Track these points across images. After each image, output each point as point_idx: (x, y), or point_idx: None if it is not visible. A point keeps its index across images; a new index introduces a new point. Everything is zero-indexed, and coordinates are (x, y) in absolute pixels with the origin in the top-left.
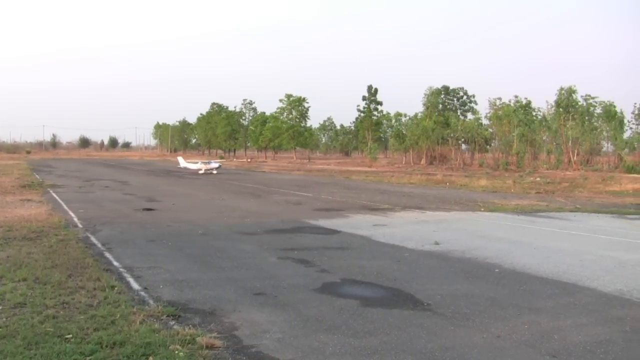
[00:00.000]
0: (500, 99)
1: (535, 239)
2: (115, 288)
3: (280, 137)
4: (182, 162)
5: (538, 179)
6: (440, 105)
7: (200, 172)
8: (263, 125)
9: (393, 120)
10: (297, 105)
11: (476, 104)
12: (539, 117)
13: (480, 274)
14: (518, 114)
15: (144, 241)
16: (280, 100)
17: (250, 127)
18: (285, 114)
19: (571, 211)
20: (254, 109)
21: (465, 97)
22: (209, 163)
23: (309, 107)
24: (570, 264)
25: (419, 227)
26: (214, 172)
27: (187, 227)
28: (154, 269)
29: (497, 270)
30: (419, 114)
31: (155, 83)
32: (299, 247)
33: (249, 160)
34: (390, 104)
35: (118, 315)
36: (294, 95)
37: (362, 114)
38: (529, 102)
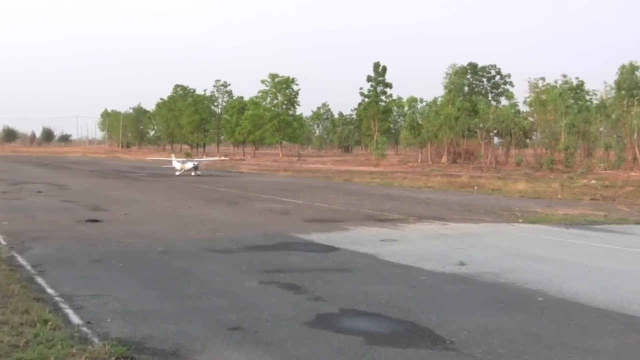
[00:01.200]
0: (543, 79)
1: (590, 259)
2: (49, 323)
3: (263, 129)
4: (176, 163)
5: (593, 181)
6: (466, 88)
7: (177, 173)
8: (241, 114)
9: (406, 107)
10: (283, 87)
11: (512, 85)
12: (594, 102)
13: (518, 304)
14: (566, 99)
15: (88, 261)
16: (263, 82)
17: (225, 116)
18: (268, 99)
19: (637, 223)
20: (229, 93)
21: (497, 77)
22: (185, 162)
23: (298, 90)
24: (636, 292)
25: (438, 242)
26: (193, 173)
27: (144, 243)
28: (100, 297)
29: (540, 298)
30: (439, 99)
31: (103, 55)
32: (286, 268)
33: (222, 157)
34: (402, 87)
35: (52, 359)
36: (279, 75)
37: (366, 99)
38: (581, 84)
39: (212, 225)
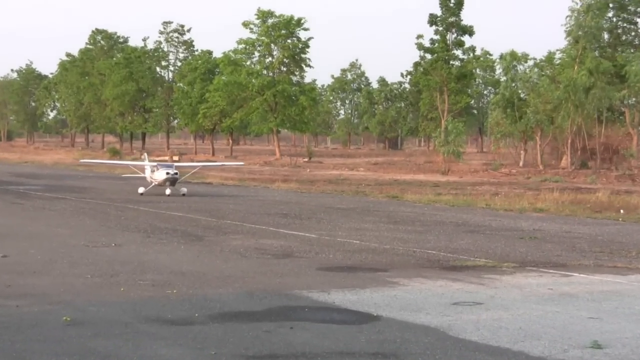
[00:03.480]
0: None
1: None
2: None
3: (247, 107)
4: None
5: None
6: (606, 35)
7: (140, 191)
8: (208, 81)
9: (498, 70)
10: (283, 35)
11: None
12: None
13: None
14: None
15: None
16: (246, 25)
17: (180, 85)
18: (256, 55)
19: None
20: (188, 45)
21: None
22: (158, 168)
23: (309, 40)
24: None
25: (556, 308)
26: (168, 190)
27: (37, 307)
28: None
29: None
30: (557, 55)
31: None
32: (287, 353)
33: (175, 157)
34: (490, 35)
35: None
36: (276, 13)
37: (428, 56)
38: None
39: (158, 277)
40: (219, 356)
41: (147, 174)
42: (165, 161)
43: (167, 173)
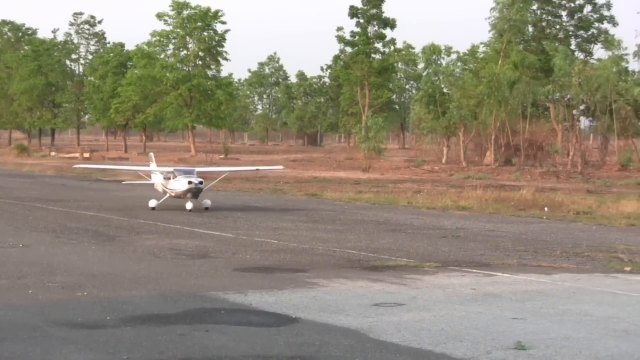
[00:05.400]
0: None
1: None
2: None
3: (161, 102)
4: (158, 179)
5: None
6: (531, 28)
7: (152, 204)
8: (121, 75)
9: (421, 64)
10: (199, 27)
11: (614, 24)
12: None
13: None
14: None
15: None
16: (161, 17)
17: (91, 79)
18: (171, 47)
19: None
20: (101, 37)
21: (588, 7)
22: (175, 176)
23: (227, 32)
24: None
25: (478, 309)
26: (190, 205)
27: None
28: None
29: None
30: (481, 49)
31: None
32: (202, 357)
33: (86, 154)
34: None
35: None
36: (191, 4)
37: (348, 49)
38: None
39: (68, 279)
40: None
41: (157, 181)
42: (76, 158)
43: (190, 182)
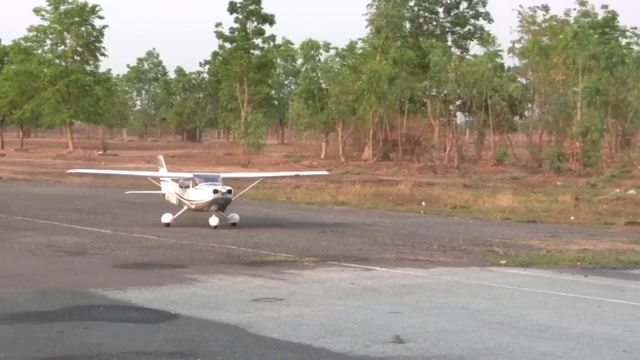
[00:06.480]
0: (546, 8)
1: (631, 331)
2: None
3: (39, 98)
4: (169, 188)
5: (632, 191)
6: (408, 25)
7: (165, 220)
8: None
9: (300, 60)
10: (76, 22)
11: (490, 21)
12: (636, 48)
13: None
14: (587, 43)
15: None
16: (38, 12)
17: None
18: (48, 43)
19: None
20: None
21: (464, 4)
22: (196, 184)
23: (104, 28)
24: None
25: (357, 303)
26: (216, 221)
27: None
28: None
29: None
30: (359, 45)
31: None
32: (81, 354)
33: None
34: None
35: None
36: None
37: (227, 45)
38: (613, 17)
39: None
40: (9, 359)
41: (170, 190)
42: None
43: (216, 192)
